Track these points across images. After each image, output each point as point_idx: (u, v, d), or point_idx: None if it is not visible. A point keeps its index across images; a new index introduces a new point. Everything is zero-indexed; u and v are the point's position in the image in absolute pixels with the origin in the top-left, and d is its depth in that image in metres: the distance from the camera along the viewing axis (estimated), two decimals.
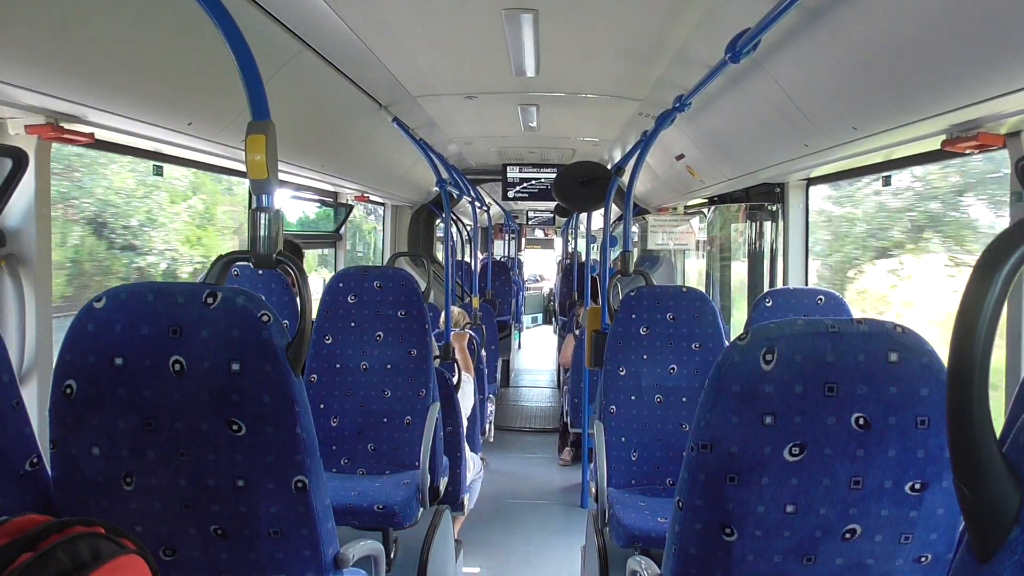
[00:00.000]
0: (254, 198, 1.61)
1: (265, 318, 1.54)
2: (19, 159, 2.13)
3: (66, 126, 2.21)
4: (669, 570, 1.60)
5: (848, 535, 1.45)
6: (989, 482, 0.64)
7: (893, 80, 2.16)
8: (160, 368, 1.52)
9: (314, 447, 1.63)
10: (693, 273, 7.61)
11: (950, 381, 0.64)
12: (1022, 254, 0.61)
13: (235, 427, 1.55)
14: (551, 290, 16.42)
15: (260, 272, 3.34)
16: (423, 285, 3.59)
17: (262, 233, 1.61)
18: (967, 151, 2.29)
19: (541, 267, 19.71)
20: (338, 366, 3.36)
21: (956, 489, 0.67)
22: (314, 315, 3.39)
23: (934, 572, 1.49)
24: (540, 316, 17.11)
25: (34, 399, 2.23)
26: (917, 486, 1.41)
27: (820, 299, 3.37)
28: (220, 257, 1.66)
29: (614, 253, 4.87)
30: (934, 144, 2.44)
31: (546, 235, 18.45)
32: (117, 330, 1.54)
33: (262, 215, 1.61)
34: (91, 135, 2.30)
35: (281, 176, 4.33)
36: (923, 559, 1.48)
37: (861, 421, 1.37)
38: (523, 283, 14.62)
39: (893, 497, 1.41)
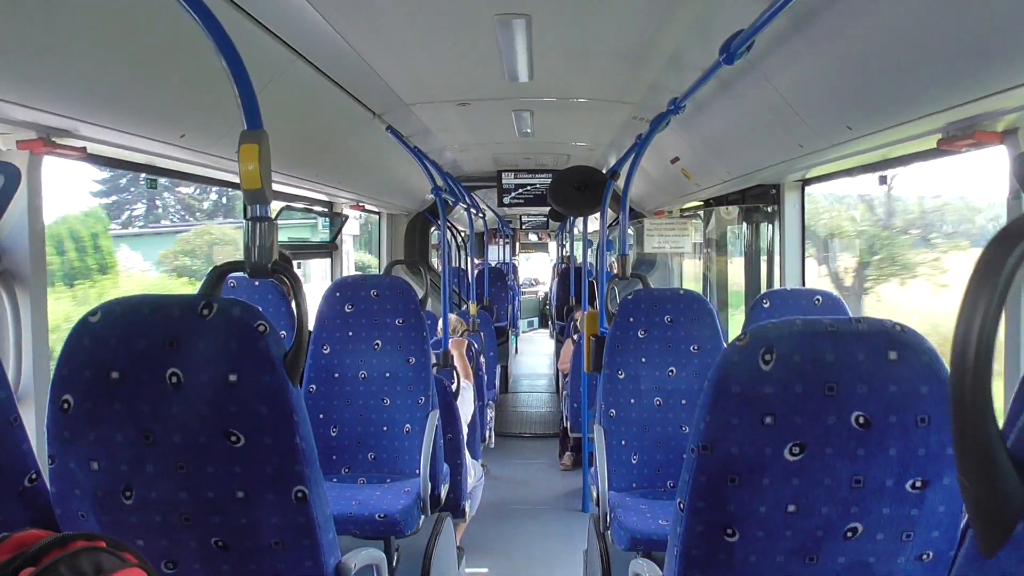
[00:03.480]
0: (248, 208, 1.61)
1: (262, 328, 1.53)
2: (11, 175, 2.13)
3: (58, 140, 2.20)
4: (671, 572, 1.59)
5: (850, 534, 1.45)
6: (994, 477, 0.64)
7: (887, 79, 2.16)
8: (157, 381, 1.52)
9: (313, 457, 1.62)
10: (690, 276, 7.61)
11: (953, 374, 0.64)
12: None
13: (233, 439, 1.54)
14: (546, 293, 16.44)
15: (257, 283, 3.33)
16: (420, 293, 3.59)
17: (257, 243, 1.61)
18: (964, 149, 2.29)
19: (536, 271, 19.76)
20: (336, 375, 3.35)
21: (960, 485, 0.66)
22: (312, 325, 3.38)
23: (936, 570, 1.49)
24: (536, 320, 17.13)
25: (32, 415, 2.22)
26: (918, 484, 1.40)
27: (818, 300, 3.37)
28: (215, 268, 1.66)
29: (611, 257, 4.87)
30: (930, 143, 2.44)
31: (540, 239, 18.49)
32: (113, 344, 1.53)
33: (257, 225, 1.61)
34: (83, 149, 2.30)
35: (276, 187, 4.34)
36: (925, 557, 1.48)
37: (861, 420, 1.37)
38: (519, 288, 14.63)
39: (894, 495, 1.41)
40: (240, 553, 1.63)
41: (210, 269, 1.66)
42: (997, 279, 0.61)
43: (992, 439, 0.64)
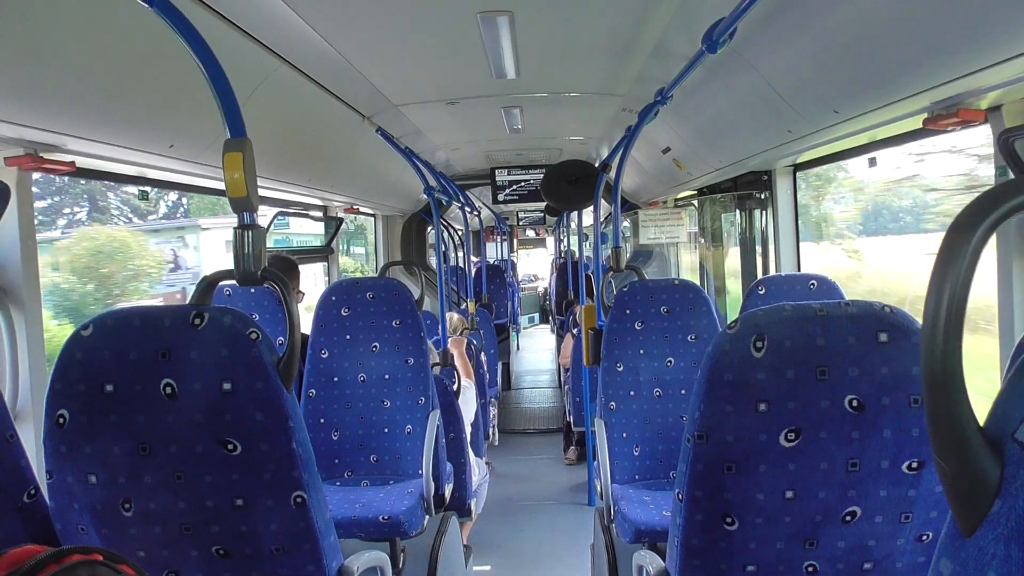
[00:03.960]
0: (236, 216, 1.61)
1: (254, 335, 1.53)
2: (0, 192, 2.13)
3: (46, 156, 2.20)
4: (673, 563, 1.60)
5: (848, 518, 1.45)
6: (968, 457, 0.64)
7: (871, 61, 2.16)
8: (151, 392, 1.52)
9: (311, 462, 1.63)
10: (688, 266, 7.60)
11: (924, 353, 0.64)
12: (993, 221, 0.61)
13: (230, 447, 1.54)
14: (546, 289, 16.42)
15: (252, 290, 3.34)
16: (417, 293, 3.59)
17: (246, 250, 1.61)
18: (949, 128, 2.29)
19: (535, 267, 19.75)
20: (336, 379, 3.36)
21: (937, 466, 0.67)
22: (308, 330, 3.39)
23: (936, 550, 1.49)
24: (537, 316, 17.11)
25: (31, 431, 2.22)
26: (914, 465, 1.41)
27: (812, 284, 3.37)
28: (205, 278, 1.66)
29: (607, 250, 4.87)
30: (916, 123, 2.44)
31: (538, 235, 18.47)
32: (106, 356, 1.53)
33: (245, 232, 1.61)
34: (72, 163, 2.30)
35: (269, 192, 4.32)
36: (924, 537, 1.48)
37: (855, 403, 1.38)
38: (518, 285, 14.62)
39: (891, 477, 1.41)
40: (241, 560, 1.63)
41: (200, 279, 1.67)
42: (963, 260, 0.61)
43: (965, 419, 0.64)
